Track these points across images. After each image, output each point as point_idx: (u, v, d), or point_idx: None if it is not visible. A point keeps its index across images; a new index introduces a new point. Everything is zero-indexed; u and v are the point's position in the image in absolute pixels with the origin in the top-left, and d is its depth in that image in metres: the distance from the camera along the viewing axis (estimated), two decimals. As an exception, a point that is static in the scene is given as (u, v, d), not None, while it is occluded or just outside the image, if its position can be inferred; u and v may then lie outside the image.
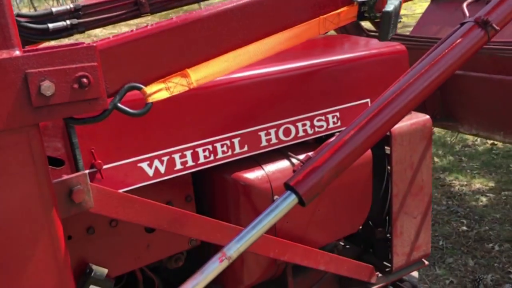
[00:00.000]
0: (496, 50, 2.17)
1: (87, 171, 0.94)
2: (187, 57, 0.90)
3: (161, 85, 0.88)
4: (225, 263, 1.06)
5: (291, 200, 1.13)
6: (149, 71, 0.88)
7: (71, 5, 1.86)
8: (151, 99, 0.87)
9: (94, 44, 0.82)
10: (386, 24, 0.97)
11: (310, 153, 1.21)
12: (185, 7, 2.42)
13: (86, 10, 1.88)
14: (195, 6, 2.36)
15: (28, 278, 0.83)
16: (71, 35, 1.83)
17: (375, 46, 1.64)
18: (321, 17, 1.01)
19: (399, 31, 1.59)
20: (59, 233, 0.85)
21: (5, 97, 0.76)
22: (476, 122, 2.79)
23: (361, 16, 1.04)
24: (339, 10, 1.02)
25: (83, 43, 0.82)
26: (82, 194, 0.92)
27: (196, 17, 0.89)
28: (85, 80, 0.80)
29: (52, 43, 1.05)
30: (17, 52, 0.76)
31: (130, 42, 0.86)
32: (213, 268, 1.06)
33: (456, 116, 2.72)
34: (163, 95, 0.88)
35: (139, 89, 0.87)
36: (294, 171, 1.19)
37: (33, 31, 1.76)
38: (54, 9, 1.84)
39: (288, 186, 1.14)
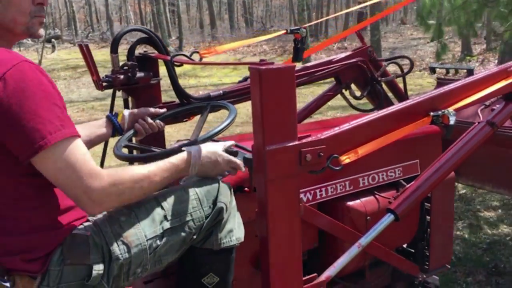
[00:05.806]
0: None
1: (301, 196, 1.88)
2: (360, 140, 1.87)
3: (346, 156, 1.84)
4: (360, 249, 2.00)
5: (390, 218, 2.08)
6: (342, 149, 1.84)
7: (221, 91, 2.84)
8: (343, 163, 1.83)
9: (323, 137, 1.78)
10: (451, 130, 1.96)
11: (394, 192, 2.17)
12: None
13: (228, 94, 2.86)
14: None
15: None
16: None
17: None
18: (414, 123, 2.00)
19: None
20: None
21: (292, 161, 1.71)
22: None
23: (432, 122, 2.03)
24: (423, 119, 2.01)
25: (310, 135, 1.78)
26: (301, 208, 1.86)
27: (369, 120, 1.88)
28: (321, 153, 1.76)
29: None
30: (296, 142, 1.72)
31: (337, 135, 1.82)
32: (354, 251, 1.99)
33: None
34: (347, 161, 1.84)
35: (337, 158, 1.83)
36: (390, 202, 2.15)
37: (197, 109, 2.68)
38: (211, 94, 2.81)
39: (389, 210, 2.09)
